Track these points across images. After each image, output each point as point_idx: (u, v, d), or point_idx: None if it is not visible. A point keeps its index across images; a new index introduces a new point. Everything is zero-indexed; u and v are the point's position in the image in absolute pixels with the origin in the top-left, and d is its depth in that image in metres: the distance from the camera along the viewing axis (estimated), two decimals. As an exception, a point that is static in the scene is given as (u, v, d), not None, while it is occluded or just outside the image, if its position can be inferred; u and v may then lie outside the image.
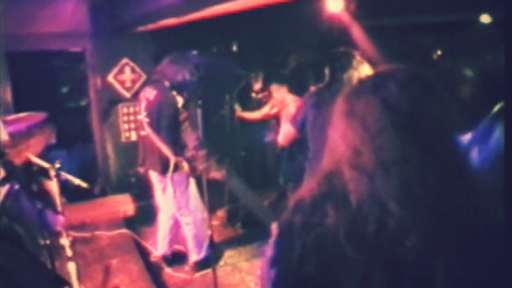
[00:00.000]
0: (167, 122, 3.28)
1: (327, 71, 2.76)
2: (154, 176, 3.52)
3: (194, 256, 3.57)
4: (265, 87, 5.02)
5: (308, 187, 0.80)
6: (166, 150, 3.27)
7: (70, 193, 2.89)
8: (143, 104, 3.37)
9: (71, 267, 2.58)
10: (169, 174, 3.33)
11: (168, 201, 3.49)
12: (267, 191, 4.85)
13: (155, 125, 3.29)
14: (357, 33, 4.67)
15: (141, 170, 3.72)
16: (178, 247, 3.81)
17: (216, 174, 2.55)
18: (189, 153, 3.16)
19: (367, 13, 4.52)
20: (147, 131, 3.34)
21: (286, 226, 0.78)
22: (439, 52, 6.24)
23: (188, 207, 3.47)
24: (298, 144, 4.56)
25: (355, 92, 0.80)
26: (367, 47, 4.57)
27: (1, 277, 1.58)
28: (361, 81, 0.82)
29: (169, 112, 3.29)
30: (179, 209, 3.47)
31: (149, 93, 3.36)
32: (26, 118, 2.48)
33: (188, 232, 3.54)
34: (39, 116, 2.51)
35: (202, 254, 3.56)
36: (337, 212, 0.70)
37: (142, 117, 3.38)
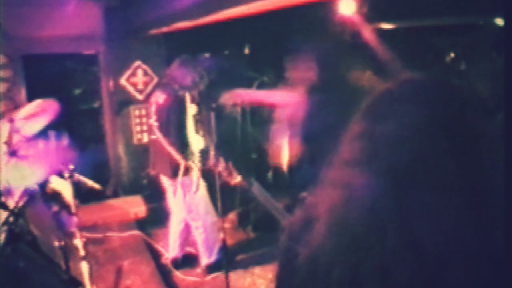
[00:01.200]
0: (176, 126, 3.29)
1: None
2: (164, 179, 3.53)
3: (205, 260, 3.57)
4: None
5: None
6: (175, 154, 3.29)
7: (82, 194, 2.92)
8: (153, 107, 3.39)
9: (84, 267, 2.60)
10: (179, 178, 3.34)
11: (179, 204, 3.50)
12: (279, 194, 4.83)
13: (165, 128, 3.31)
14: (369, 35, 4.65)
15: (152, 172, 3.74)
16: (189, 249, 3.82)
17: (237, 180, 2.53)
18: (210, 161, 3.14)
19: (379, 16, 4.50)
20: (157, 135, 3.36)
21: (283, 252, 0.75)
22: (452, 55, 6.17)
23: (198, 210, 3.47)
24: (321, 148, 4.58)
25: (371, 109, 0.71)
26: (379, 50, 4.55)
27: (17, 278, 1.60)
28: (380, 94, 0.72)
29: (178, 116, 3.30)
30: (189, 212, 3.48)
31: (159, 97, 3.38)
32: (40, 113, 2.49)
33: (198, 236, 3.54)
34: (50, 106, 2.51)
35: (213, 258, 3.57)
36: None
37: (152, 121, 3.40)
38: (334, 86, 2.84)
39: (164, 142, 3.32)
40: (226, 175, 2.45)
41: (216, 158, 2.44)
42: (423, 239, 0.59)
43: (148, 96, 4.84)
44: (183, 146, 3.32)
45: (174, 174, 3.37)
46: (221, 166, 2.67)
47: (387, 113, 0.68)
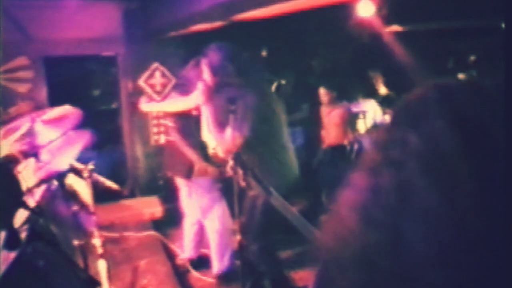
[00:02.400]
0: (192, 127, 3.29)
1: None
2: (179, 181, 3.53)
3: (216, 265, 3.47)
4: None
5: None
6: (192, 155, 3.28)
7: (99, 194, 2.95)
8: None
9: (102, 265, 2.63)
10: (194, 179, 3.33)
11: (193, 206, 3.49)
12: (296, 198, 4.80)
13: (181, 130, 3.31)
14: (388, 38, 4.61)
15: (168, 174, 3.75)
16: (204, 251, 3.81)
17: (255, 191, 2.50)
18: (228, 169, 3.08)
19: (398, 18, 4.45)
20: (174, 136, 3.36)
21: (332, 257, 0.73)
22: (472, 58, 6.07)
23: (212, 213, 3.43)
24: (341, 149, 4.58)
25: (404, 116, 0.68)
26: (397, 53, 4.50)
27: (38, 277, 1.63)
28: (412, 99, 0.70)
29: (194, 117, 3.28)
30: (204, 214, 3.45)
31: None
32: (61, 119, 2.52)
33: (212, 239, 3.48)
34: (74, 115, 2.54)
35: (225, 264, 3.46)
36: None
37: (168, 122, 3.40)
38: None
39: (181, 143, 3.32)
40: (244, 185, 2.42)
41: (234, 166, 2.41)
42: (452, 242, 0.58)
43: (166, 97, 4.87)
44: (201, 147, 3.29)
45: (188, 175, 3.36)
46: (239, 175, 2.65)
47: (419, 119, 0.67)
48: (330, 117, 4.65)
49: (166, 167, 3.67)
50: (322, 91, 4.70)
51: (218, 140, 2.80)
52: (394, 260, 0.60)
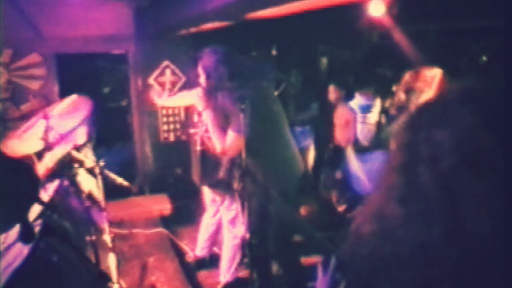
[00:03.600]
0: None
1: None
2: (212, 191, 3.40)
3: (225, 275, 3.41)
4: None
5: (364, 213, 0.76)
6: (230, 164, 3.09)
7: (108, 190, 2.98)
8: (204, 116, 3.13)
9: (112, 261, 2.66)
10: (235, 187, 3.11)
11: (225, 212, 3.37)
12: (303, 197, 4.80)
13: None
14: (399, 38, 4.58)
15: (203, 185, 3.51)
16: (216, 250, 3.81)
17: (252, 193, 2.48)
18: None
19: (410, 18, 4.42)
20: (209, 146, 3.15)
21: (348, 257, 0.75)
22: (484, 58, 6.01)
23: (239, 224, 3.30)
24: (340, 151, 4.55)
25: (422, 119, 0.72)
26: (409, 52, 4.47)
27: (51, 272, 1.65)
28: (435, 100, 0.73)
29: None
30: (232, 221, 3.34)
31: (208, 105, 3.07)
32: (74, 110, 2.54)
33: (226, 250, 3.39)
34: (84, 103, 2.55)
35: (233, 275, 3.39)
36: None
37: (200, 131, 3.20)
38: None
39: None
40: (238, 187, 2.41)
41: (230, 169, 2.38)
42: (474, 233, 0.62)
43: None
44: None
45: (227, 184, 3.19)
46: (235, 177, 2.62)
47: (443, 119, 0.70)
48: (335, 116, 4.61)
49: (201, 179, 3.45)
50: (331, 88, 4.69)
51: (218, 143, 2.79)
52: (456, 252, 0.63)
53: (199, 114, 3.16)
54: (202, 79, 2.89)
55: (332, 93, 4.67)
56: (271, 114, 2.88)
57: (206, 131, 3.14)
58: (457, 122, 0.66)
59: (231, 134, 2.69)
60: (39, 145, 2.15)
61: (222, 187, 3.25)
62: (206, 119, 2.88)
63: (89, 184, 2.61)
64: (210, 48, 2.94)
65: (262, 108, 2.77)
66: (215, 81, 2.85)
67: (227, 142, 2.71)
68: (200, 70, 2.93)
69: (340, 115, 4.56)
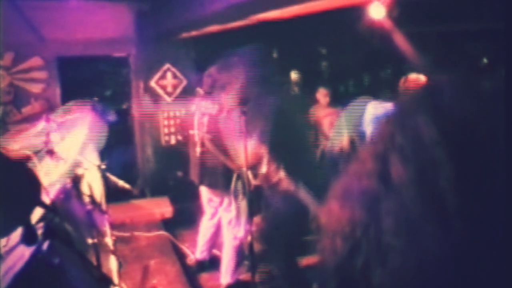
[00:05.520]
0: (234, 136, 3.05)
1: None
2: (211, 191, 3.42)
3: (226, 278, 3.41)
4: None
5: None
6: (230, 164, 3.13)
7: (110, 193, 2.98)
8: (205, 119, 3.20)
9: (113, 261, 2.66)
10: (232, 188, 3.19)
11: (225, 216, 3.38)
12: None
13: (220, 140, 3.09)
14: (399, 40, 4.59)
15: (202, 185, 3.49)
16: (216, 252, 3.81)
17: (287, 184, 2.47)
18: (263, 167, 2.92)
19: (410, 20, 4.43)
20: (209, 147, 3.19)
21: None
22: (485, 60, 6.02)
23: (241, 219, 3.32)
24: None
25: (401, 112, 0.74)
26: (409, 55, 4.47)
27: (53, 274, 1.65)
28: (409, 97, 0.77)
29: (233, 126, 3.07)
30: (231, 222, 3.35)
31: (209, 108, 3.19)
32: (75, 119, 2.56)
33: (226, 252, 3.39)
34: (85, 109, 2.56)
35: (234, 277, 3.39)
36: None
37: (201, 132, 3.20)
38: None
39: (217, 153, 3.16)
40: (276, 180, 2.40)
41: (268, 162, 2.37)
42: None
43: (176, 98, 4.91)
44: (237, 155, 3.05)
45: (227, 186, 3.21)
46: (272, 171, 2.58)
47: (406, 115, 0.70)
48: (325, 120, 4.56)
49: (200, 181, 3.43)
50: (321, 91, 4.65)
51: (239, 150, 2.78)
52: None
53: (203, 117, 3.18)
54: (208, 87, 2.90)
55: (322, 96, 4.64)
56: (292, 117, 2.87)
57: (208, 132, 3.16)
58: (413, 118, 0.65)
59: (251, 142, 2.67)
60: (33, 146, 2.15)
61: (222, 187, 3.27)
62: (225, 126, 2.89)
63: (90, 187, 2.61)
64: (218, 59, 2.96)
65: (280, 113, 2.74)
66: (219, 89, 2.88)
67: (249, 151, 2.69)
68: (206, 79, 2.95)
69: (329, 120, 4.48)
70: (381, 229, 0.67)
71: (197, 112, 3.29)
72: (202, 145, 3.27)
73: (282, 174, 2.47)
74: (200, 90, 3.49)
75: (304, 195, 2.33)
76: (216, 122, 3.14)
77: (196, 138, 3.28)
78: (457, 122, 0.64)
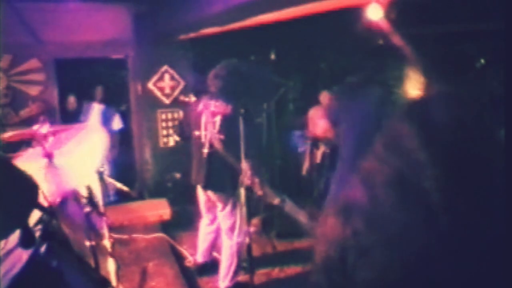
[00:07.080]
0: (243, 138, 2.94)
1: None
2: (215, 196, 3.31)
3: (224, 282, 3.38)
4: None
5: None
6: (239, 167, 2.95)
7: (109, 196, 2.96)
8: (217, 119, 3.11)
9: (111, 266, 2.65)
10: (237, 192, 3.05)
11: (224, 221, 3.32)
12: (302, 201, 4.81)
13: (232, 141, 2.93)
14: (397, 41, 4.60)
15: (206, 189, 3.36)
16: (216, 255, 3.78)
17: (272, 199, 2.46)
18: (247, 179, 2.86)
19: (407, 21, 4.43)
20: (218, 148, 3.10)
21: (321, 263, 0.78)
22: (482, 61, 6.03)
23: (239, 231, 3.29)
24: (331, 157, 4.56)
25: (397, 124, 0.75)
26: (407, 56, 4.48)
27: (51, 277, 1.65)
28: (406, 108, 0.78)
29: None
30: (231, 229, 3.30)
31: (220, 107, 3.10)
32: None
33: (225, 257, 3.36)
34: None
35: (232, 282, 3.36)
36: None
37: (209, 133, 3.12)
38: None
39: (227, 155, 3.06)
40: (260, 193, 2.39)
41: (252, 175, 2.36)
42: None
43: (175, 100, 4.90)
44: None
45: (232, 189, 3.13)
46: (255, 184, 2.58)
47: (395, 143, 0.76)
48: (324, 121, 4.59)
49: (203, 183, 3.31)
50: (324, 94, 4.70)
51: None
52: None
53: (213, 117, 3.11)
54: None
55: (326, 99, 4.68)
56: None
57: (218, 132, 3.08)
58: (398, 126, 0.71)
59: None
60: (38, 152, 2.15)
61: (228, 191, 3.18)
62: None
63: (88, 189, 2.60)
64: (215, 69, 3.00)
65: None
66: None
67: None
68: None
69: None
70: (370, 235, 0.70)
71: (205, 112, 3.16)
72: (210, 146, 3.15)
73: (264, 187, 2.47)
74: (191, 96, 3.47)
75: (291, 207, 2.34)
76: (229, 123, 3.03)
77: (203, 139, 3.17)
78: (443, 129, 0.68)
